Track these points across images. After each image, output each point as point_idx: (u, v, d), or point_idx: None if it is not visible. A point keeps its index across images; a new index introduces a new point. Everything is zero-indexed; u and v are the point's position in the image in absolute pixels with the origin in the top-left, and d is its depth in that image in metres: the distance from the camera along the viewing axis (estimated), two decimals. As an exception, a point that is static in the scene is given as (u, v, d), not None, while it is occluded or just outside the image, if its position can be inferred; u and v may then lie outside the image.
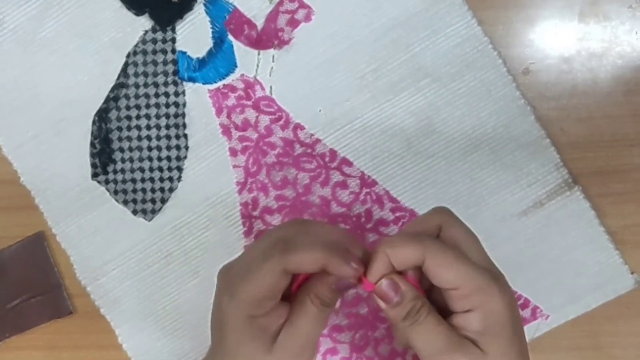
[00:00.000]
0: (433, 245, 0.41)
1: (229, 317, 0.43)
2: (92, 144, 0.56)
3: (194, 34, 0.55)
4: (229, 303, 0.43)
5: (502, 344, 0.40)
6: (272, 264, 0.42)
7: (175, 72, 0.55)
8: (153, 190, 0.56)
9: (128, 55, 0.56)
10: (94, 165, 0.56)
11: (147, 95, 0.56)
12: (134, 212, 0.57)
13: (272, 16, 0.54)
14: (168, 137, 0.56)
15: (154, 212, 0.56)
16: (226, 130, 0.56)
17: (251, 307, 0.42)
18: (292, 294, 0.45)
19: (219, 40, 0.55)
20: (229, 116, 0.55)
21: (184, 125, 0.56)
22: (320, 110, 0.55)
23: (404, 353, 0.56)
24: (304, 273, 0.44)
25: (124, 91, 0.56)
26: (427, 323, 0.41)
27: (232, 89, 0.55)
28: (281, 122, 0.55)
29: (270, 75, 0.55)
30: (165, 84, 0.56)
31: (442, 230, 0.44)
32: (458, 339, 0.40)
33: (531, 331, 0.55)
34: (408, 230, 0.46)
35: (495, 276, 0.41)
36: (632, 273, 0.54)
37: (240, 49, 0.55)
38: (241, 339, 0.43)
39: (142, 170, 0.56)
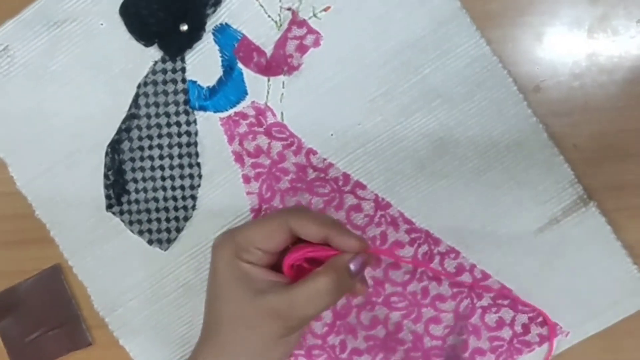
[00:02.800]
0: None
1: (221, 257, 0.45)
2: (106, 176, 0.56)
3: (203, 62, 0.55)
4: (223, 242, 0.46)
5: None
6: (280, 216, 0.44)
7: (186, 102, 0.56)
8: (168, 220, 0.56)
9: (139, 86, 0.56)
10: (108, 197, 0.57)
11: (159, 125, 0.56)
12: (150, 242, 0.57)
13: (281, 43, 0.55)
14: (181, 166, 0.56)
15: (169, 241, 0.57)
16: (239, 158, 0.56)
17: (239, 247, 0.44)
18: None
19: (229, 68, 0.55)
20: (241, 143, 0.56)
21: (197, 154, 0.56)
22: (332, 135, 0.55)
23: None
24: (305, 239, 0.45)
25: (135, 122, 0.56)
26: None
27: (244, 116, 0.55)
28: (293, 148, 0.55)
29: (281, 101, 0.55)
30: (177, 113, 0.56)
31: None
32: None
33: (551, 348, 0.55)
34: None
35: None
36: (650, 287, 0.54)
37: (250, 76, 0.55)
38: (227, 276, 0.44)
39: (156, 200, 0.56)
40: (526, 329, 0.54)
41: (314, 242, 0.46)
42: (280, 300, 0.42)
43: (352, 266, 0.44)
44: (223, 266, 0.45)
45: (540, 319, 0.54)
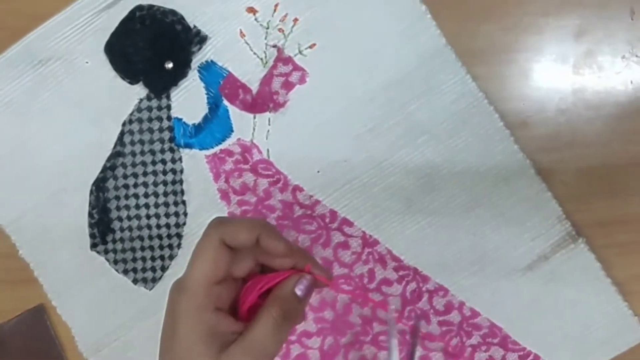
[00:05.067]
0: None
1: (180, 312, 0.41)
2: (90, 214, 0.56)
3: (189, 100, 0.55)
4: (179, 296, 0.41)
5: None
6: (209, 237, 0.41)
7: (172, 139, 0.55)
8: (153, 259, 0.56)
9: (124, 124, 0.55)
10: (92, 236, 0.56)
11: (144, 163, 0.55)
12: (135, 281, 0.56)
13: (267, 80, 0.54)
14: (166, 204, 0.56)
15: (154, 280, 0.56)
16: (225, 195, 0.55)
17: (200, 294, 0.41)
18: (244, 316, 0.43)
19: (214, 105, 0.55)
20: (227, 181, 0.55)
21: (182, 192, 0.55)
22: (318, 172, 0.55)
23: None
24: (240, 246, 0.42)
25: (120, 160, 0.56)
26: None
27: (229, 153, 0.55)
28: (280, 185, 0.55)
29: (267, 138, 0.55)
30: (162, 151, 0.55)
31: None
32: None
33: (542, 387, 0.54)
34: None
35: None
36: (641, 323, 0.53)
37: (235, 113, 0.55)
38: (192, 338, 0.41)
39: (141, 238, 0.56)
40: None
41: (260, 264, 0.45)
42: (242, 352, 0.41)
43: (298, 291, 0.43)
44: (186, 324, 0.41)
45: (530, 358, 0.54)
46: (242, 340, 0.41)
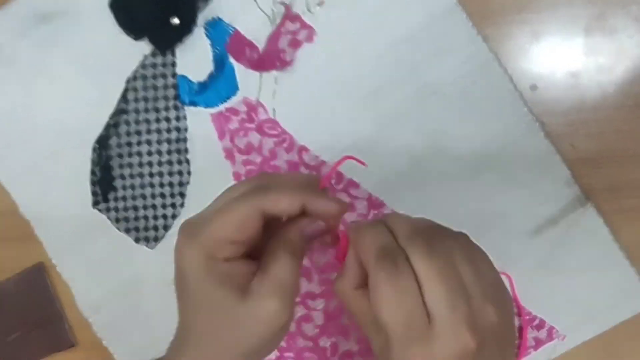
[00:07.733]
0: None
1: (188, 264, 0.39)
2: (93, 172, 0.55)
3: (194, 57, 0.54)
4: (188, 246, 0.39)
5: None
6: (246, 201, 0.39)
7: (176, 97, 0.54)
8: (155, 218, 0.55)
9: (127, 81, 0.55)
10: (94, 194, 0.55)
11: (147, 121, 0.55)
12: (136, 240, 0.55)
13: (274, 37, 0.53)
14: (170, 162, 0.55)
15: (156, 239, 0.55)
16: (229, 154, 0.54)
17: (211, 247, 0.39)
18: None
19: (220, 63, 0.54)
20: (232, 140, 0.54)
21: (186, 150, 0.55)
22: (325, 132, 0.54)
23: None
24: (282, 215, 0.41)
25: (124, 117, 0.55)
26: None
27: (235, 112, 0.54)
28: (285, 145, 0.54)
29: (273, 97, 0.54)
30: (166, 108, 0.54)
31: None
32: None
33: (547, 353, 0.53)
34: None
35: None
36: (648, 290, 0.53)
37: (241, 72, 0.54)
38: (204, 286, 0.39)
39: (143, 197, 0.55)
40: (522, 332, 0.53)
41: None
42: (269, 291, 0.39)
43: (305, 234, 0.43)
44: (196, 274, 0.39)
45: (536, 322, 0.53)
46: (265, 278, 0.40)
